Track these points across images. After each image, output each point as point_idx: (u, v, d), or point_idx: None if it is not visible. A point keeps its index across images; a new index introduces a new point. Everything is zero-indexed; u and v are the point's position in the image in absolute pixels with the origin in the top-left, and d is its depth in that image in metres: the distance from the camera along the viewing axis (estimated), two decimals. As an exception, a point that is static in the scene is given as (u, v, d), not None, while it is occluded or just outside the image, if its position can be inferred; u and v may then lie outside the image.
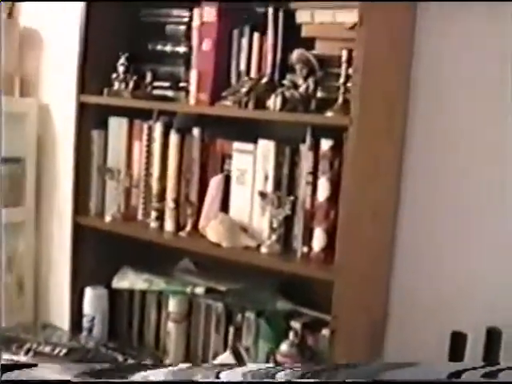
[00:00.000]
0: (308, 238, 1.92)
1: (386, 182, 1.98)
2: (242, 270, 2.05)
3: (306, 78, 1.88)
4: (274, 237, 1.94)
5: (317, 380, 1.51)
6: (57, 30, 2.64)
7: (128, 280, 2.31)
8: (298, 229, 1.94)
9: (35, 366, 1.60)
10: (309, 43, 1.94)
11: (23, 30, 2.70)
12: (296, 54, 1.89)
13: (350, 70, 1.78)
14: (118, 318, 2.39)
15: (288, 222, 1.95)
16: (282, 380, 1.49)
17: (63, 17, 2.57)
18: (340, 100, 1.81)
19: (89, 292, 2.33)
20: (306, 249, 1.92)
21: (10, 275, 2.72)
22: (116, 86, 2.21)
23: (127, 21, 2.24)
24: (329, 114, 1.80)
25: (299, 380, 1.51)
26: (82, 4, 2.18)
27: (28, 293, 2.79)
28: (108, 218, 2.25)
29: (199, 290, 2.16)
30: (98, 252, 2.33)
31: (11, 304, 2.70)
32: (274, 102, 1.87)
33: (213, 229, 2.01)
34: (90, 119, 2.26)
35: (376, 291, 2.03)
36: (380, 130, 1.87)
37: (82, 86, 2.21)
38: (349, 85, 1.79)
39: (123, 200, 2.26)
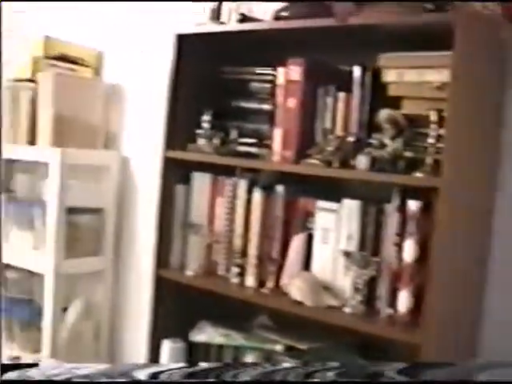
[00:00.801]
0: (392, 299, 1.89)
1: (476, 244, 1.94)
2: (318, 329, 2.02)
3: (393, 138, 1.87)
4: (358, 297, 1.92)
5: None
6: (142, 87, 2.72)
7: (206, 334, 2.31)
8: (382, 290, 1.91)
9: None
10: (395, 102, 1.94)
11: (108, 86, 2.79)
12: (384, 114, 1.89)
13: (441, 131, 1.77)
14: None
15: (372, 282, 1.93)
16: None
17: (148, 74, 2.65)
18: (429, 160, 1.79)
19: (166, 344, 2.33)
20: (390, 310, 1.89)
21: (87, 322, 2.75)
22: (201, 142, 2.24)
23: (212, 78, 2.28)
24: (417, 174, 1.79)
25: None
26: (170, 62, 2.23)
27: (103, 341, 2.82)
28: (189, 272, 2.26)
29: (279, 348, 2.15)
30: (177, 305, 2.34)
31: (87, 350, 2.73)
32: (361, 161, 1.86)
33: (296, 287, 1.99)
34: (174, 174, 2.29)
35: (463, 356, 1.98)
36: (470, 192, 1.85)
37: (168, 142, 2.25)
38: (439, 145, 1.78)
39: (205, 255, 2.27)
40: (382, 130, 1.92)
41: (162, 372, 1.56)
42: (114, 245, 2.77)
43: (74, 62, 2.79)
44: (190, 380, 1.48)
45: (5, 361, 2.67)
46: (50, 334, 2.59)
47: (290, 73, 2.07)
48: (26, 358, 2.67)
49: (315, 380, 1.51)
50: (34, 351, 2.69)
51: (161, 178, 2.27)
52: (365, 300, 1.93)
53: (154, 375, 1.54)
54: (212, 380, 1.45)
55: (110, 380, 1.47)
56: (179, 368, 1.59)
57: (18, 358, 2.67)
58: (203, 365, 1.58)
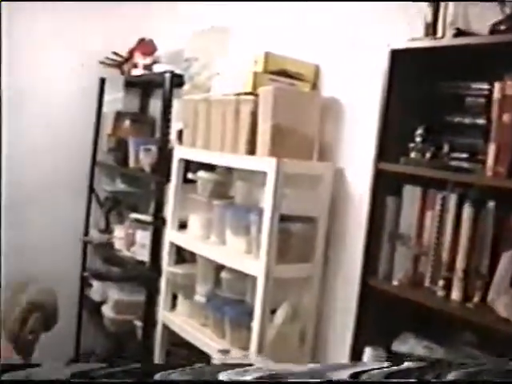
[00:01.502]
0: None
1: None
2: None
3: None
4: None
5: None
6: (356, 100, 2.79)
7: (408, 345, 2.33)
8: None
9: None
10: None
11: (324, 99, 2.90)
12: None
13: None
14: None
15: None
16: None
17: (362, 87, 2.73)
18: None
19: (368, 352, 2.38)
20: None
21: (294, 326, 2.86)
22: (413, 155, 2.28)
23: (426, 92, 2.30)
24: None
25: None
26: (384, 76, 2.30)
27: (308, 344, 2.91)
28: (395, 282, 2.30)
29: (483, 365, 2.12)
30: (382, 314, 2.37)
31: (291, 353, 2.84)
32: None
33: (503, 303, 1.97)
34: (386, 186, 2.34)
35: None
36: None
37: (381, 154, 2.31)
38: None
39: (411, 266, 2.30)
40: None
41: (364, 372, 1.60)
42: (324, 252, 2.85)
43: (293, 76, 2.93)
44: (391, 380, 1.50)
45: (215, 354, 2.84)
46: (258, 333, 2.70)
47: (506, 87, 2.05)
48: (235, 354, 2.81)
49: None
50: (242, 349, 2.83)
51: (372, 189, 2.34)
52: None
53: (355, 375, 1.59)
54: (413, 380, 1.47)
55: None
56: (380, 368, 1.60)
57: (227, 351, 2.83)
58: (406, 364, 1.58)
